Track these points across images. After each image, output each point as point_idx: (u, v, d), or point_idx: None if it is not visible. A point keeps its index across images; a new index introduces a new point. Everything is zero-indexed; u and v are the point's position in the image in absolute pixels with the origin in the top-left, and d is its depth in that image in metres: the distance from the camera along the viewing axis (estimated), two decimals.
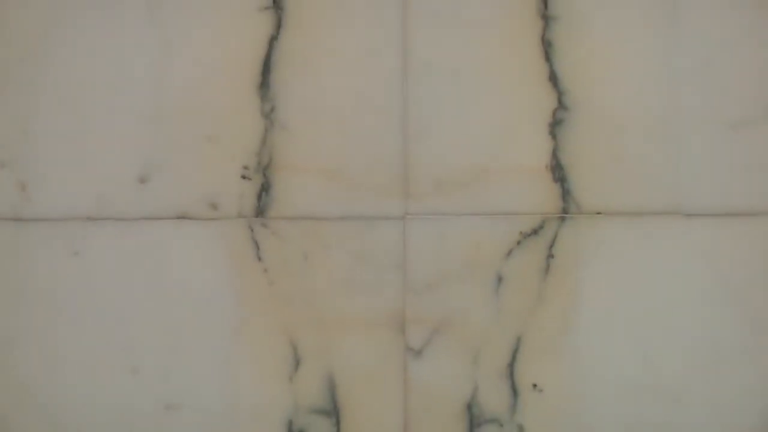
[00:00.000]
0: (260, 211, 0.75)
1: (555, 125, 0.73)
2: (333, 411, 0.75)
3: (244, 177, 0.75)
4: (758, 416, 0.76)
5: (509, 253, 0.74)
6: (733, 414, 0.76)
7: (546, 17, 0.73)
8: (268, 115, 0.74)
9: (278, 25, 0.74)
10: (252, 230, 0.75)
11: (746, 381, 0.76)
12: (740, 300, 0.75)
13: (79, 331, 0.76)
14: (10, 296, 0.77)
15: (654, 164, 0.74)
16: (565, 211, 0.75)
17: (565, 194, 0.74)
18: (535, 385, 0.75)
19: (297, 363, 0.75)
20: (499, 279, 0.74)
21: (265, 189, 0.75)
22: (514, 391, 0.75)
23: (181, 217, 0.75)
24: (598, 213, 0.74)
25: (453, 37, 0.75)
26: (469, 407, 0.75)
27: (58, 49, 0.78)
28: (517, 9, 0.75)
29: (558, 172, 0.74)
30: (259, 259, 0.75)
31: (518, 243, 0.74)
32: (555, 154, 0.73)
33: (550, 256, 0.74)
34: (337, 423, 0.75)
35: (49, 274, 0.75)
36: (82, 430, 0.78)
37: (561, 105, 0.73)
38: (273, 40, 0.74)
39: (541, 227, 0.74)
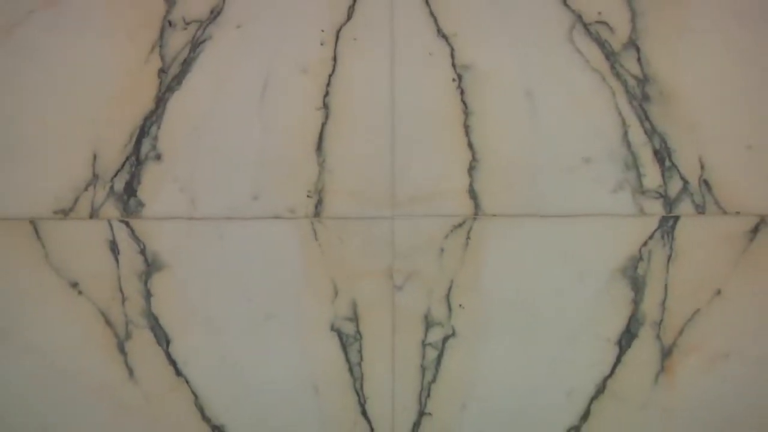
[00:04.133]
0: (317, 214, 0.96)
1: (471, 170, 0.96)
2: (354, 318, 0.98)
3: (308, 196, 0.96)
4: (591, 334, 0.97)
5: (447, 236, 0.96)
6: (576, 333, 0.97)
7: (466, 112, 0.96)
8: (321, 164, 0.96)
9: (326, 117, 0.96)
10: (312, 225, 0.96)
11: (586, 313, 0.97)
12: (575, 262, 0.96)
13: (223, 279, 0.97)
14: (185, 262, 0.97)
15: (526, 187, 0.96)
16: (476, 214, 0.96)
17: (476, 206, 0.96)
18: (460, 305, 0.97)
19: (336, 294, 0.97)
20: (442, 250, 0.97)
21: (319, 202, 0.96)
22: (450, 309, 0.97)
23: (275, 217, 0.96)
24: (494, 215, 0.96)
25: (418, 122, 0.96)
26: (426, 317, 0.97)
27: (211, 121, 0.97)
28: (449, 108, 0.96)
29: (472, 193, 0.96)
30: (317, 240, 0.97)
31: (451, 231, 0.96)
32: (471, 185, 0.96)
33: (468, 238, 0.96)
34: (357, 325, 0.97)
35: (206, 248, 0.97)
36: (224, 330, 0.97)
37: (474, 158, 0.96)
38: (324, 125, 0.96)
39: (463, 222, 0.96)
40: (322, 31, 0.96)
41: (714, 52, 0.96)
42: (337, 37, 0.97)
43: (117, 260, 0.98)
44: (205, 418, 0.99)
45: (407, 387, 0.99)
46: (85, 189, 0.97)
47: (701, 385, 0.97)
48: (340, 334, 0.98)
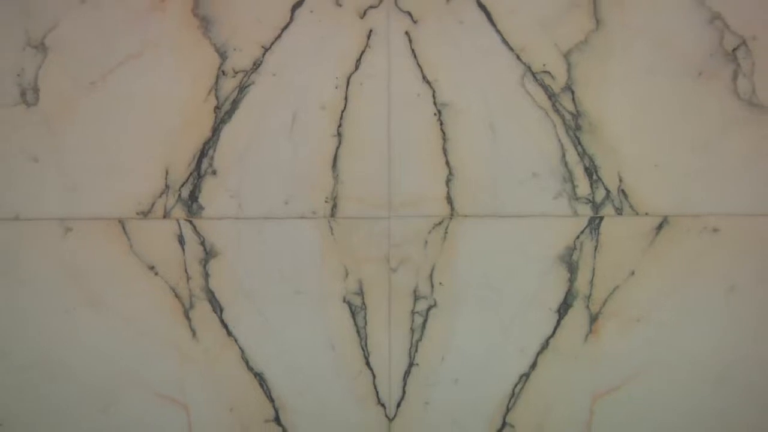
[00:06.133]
0: (332, 215, 1.11)
1: (448, 182, 1.11)
2: (360, 293, 1.13)
3: (326, 201, 1.11)
4: (538, 305, 1.11)
5: (430, 231, 1.11)
6: (527, 304, 1.12)
7: (444, 139, 1.10)
8: (336, 177, 1.11)
9: (339, 142, 1.11)
10: (329, 223, 1.11)
11: (534, 289, 1.11)
12: (525, 251, 1.11)
13: (263, 264, 1.11)
14: (234, 251, 1.11)
15: (489, 194, 1.10)
16: (452, 214, 1.10)
17: (452, 208, 1.10)
18: (440, 283, 1.12)
19: (347, 275, 1.12)
20: (426, 242, 1.11)
21: (335, 206, 1.11)
22: (432, 286, 1.12)
23: (301, 217, 1.11)
24: (465, 216, 1.10)
25: (409, 146, 1.09)
26: (414, 292, 1.13)
27: (254, 145, 1.10)
28: (432, 136, 1.10)
29: (449, 199, 1.11)
30: (332, 234, 1.12)
31: (433, 227, 1.11)
32: (448, 193, 1.11)
33: (446, 233, 1.11)
34: (363, 298, 1.13)
35: (250, 240, 1.11)
36: (263, 302, 1.12)
37: (450, 173, 1.10)
38: (337, 148, 1.10)
39: (442, 221, 1.11)
40: (336, 78, 1.12)
41: (630, 94, 1.11)
42: (348, 83, 1.12)
43: (183, 249, 1.13)
44: (249, 368, 1.15)
45: (400, 344, 1.13)
46: (160, 196, 1.13)
47: (619, 342, 1.13)
48: (350, 305, 1.14)
